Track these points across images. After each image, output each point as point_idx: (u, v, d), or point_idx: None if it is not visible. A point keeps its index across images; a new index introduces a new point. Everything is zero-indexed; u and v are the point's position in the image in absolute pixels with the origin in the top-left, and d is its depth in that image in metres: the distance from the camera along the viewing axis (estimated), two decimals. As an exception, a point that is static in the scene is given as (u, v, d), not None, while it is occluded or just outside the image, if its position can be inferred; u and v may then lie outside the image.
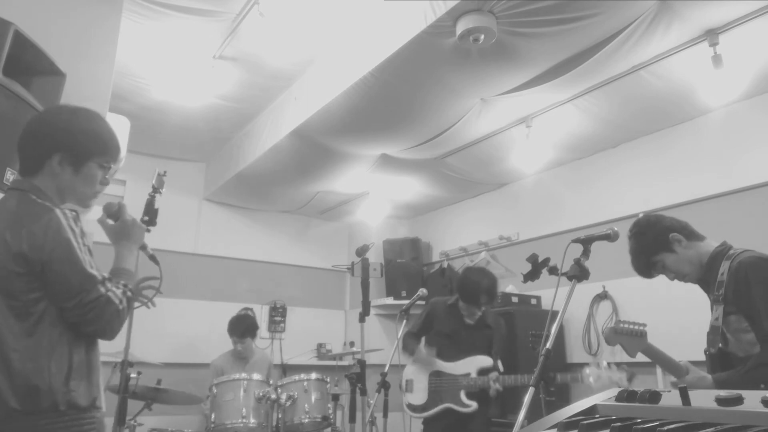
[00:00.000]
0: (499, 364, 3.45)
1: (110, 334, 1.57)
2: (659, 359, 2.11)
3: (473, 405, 3.32)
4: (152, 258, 1.93)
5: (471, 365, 3.41)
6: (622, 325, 2.11)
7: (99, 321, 1.52)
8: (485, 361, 3.40)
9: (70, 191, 1.63)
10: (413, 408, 3.57)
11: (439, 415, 3.44)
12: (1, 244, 1.47)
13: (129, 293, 1.62)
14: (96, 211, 1.84)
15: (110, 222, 1.75)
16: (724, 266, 1.98)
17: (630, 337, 2.09)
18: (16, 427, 1.41)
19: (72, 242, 1.50)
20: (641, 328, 2.09)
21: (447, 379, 3.45)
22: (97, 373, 1.60)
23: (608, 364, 2.63)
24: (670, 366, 2.09)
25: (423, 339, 3.69)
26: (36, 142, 1.61)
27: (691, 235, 2.13)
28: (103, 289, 1.52)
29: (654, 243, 2.13)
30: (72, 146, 1.60)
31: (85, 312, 1.49)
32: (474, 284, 3.44)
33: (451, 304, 3.60)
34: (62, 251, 1.48)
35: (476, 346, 3.47)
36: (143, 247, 1.85)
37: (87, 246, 1.57)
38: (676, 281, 2.18)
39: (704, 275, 2.08)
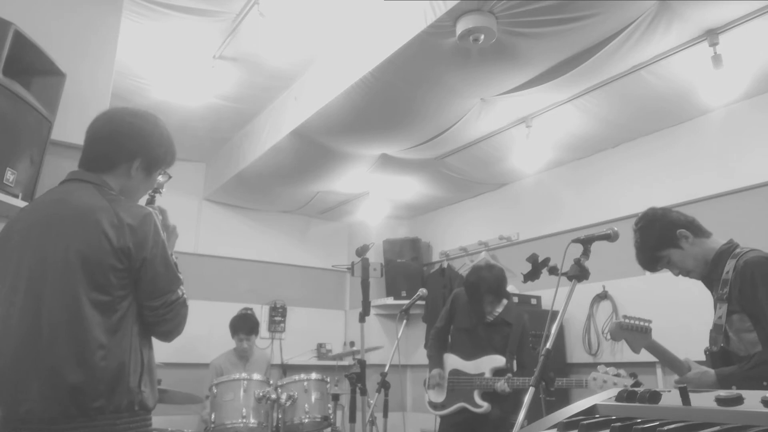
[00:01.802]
0: (514, 364, 3.33)
1: (175, 336, 1.61)
2: (662, 356, 2.10)
3: (485, 405, 3.25)
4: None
5: (486, 365, 3.33)
6: (627, 320, 2.10)
7: (173, 321, 1.55)
8: (499, 360, 3.31)
9: (134, 193, 1.67)
10: (434, 405, 3.49)
11: (454, 413, 3.38)
12: (101, 237, 1.45)
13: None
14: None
15: None
16: (730, 264, 1.97)
17: (634, 332, 2.09)
18: (94, 425, 1.39)
19: (166, 243, 1.55)
20: (646, 324, 2.09)
21: (464, 378, 3.38)
22: (156, 374, 1.62)
23: (612, 370, 2.62)
24: (672, 363, 2.09)
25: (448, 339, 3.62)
26: (122, 143, 1.62)
27: (698, 232, 2.11)
28: (180, 291, 1.56)
29: (660, 238, 2.11)
30: (153, 154, 1.66)
31: (166, 312, 1.52)
32: (474, 286, 3.36)
33: None
34: (161, 251, 1.52)
35: (493, 344, 3.36)
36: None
37: None
38: (680, 277, 2.17)
39: (709, 273, 2.07)
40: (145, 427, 1.49)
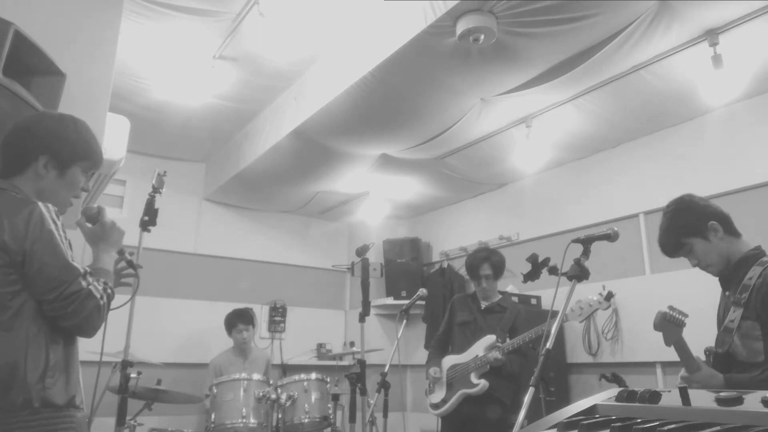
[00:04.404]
0: (508, 339, 3.35)
1: (90, 331, 1.54)
2: (683, 351, 2.02)
3: (481, 382, 3.28)
4: (130, 263, 1.88)
5: (479, 347, 3.37)
6: (671, 312, 2.03)
7: (78, 315, 1.48)
8: (490, 339, 3.35)
9: (51, 194, 1.63)
10: (435, 406, 3.49)
11: (456, 406, 3.38)
12: None
13: (110, 290, 1.59)
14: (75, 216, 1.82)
15: (89, 225, 1.74)
16: (755, 271, 1.93)
17: (673, 326, 2.02)
18: None
19: (54, 234, 1.50)
20: (684, 318, 2.03)
21: (460, 367, 3.42)
22: (76, 371, 1.57)
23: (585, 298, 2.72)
24: (688, 359, 2.02)
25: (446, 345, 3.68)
26: (23, 144, 1.62)
27: (729, 228, 2.07)
28: (84, 283, 1.50)
29: (690, 225, 2.08)
30: (58, 150, 1.62)
31: (66, 305, 1.46)
32: (473, 255, 3.58)
33: (471, 294, 3.64)
34: (44, 242, 1.47)
35: (490, 328, 3.43)
36: (121, 252, 1.82)
37: (68, 240, 1.55)
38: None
39: (729, 273, 2.04)
40: (54, 425, 1.46)
